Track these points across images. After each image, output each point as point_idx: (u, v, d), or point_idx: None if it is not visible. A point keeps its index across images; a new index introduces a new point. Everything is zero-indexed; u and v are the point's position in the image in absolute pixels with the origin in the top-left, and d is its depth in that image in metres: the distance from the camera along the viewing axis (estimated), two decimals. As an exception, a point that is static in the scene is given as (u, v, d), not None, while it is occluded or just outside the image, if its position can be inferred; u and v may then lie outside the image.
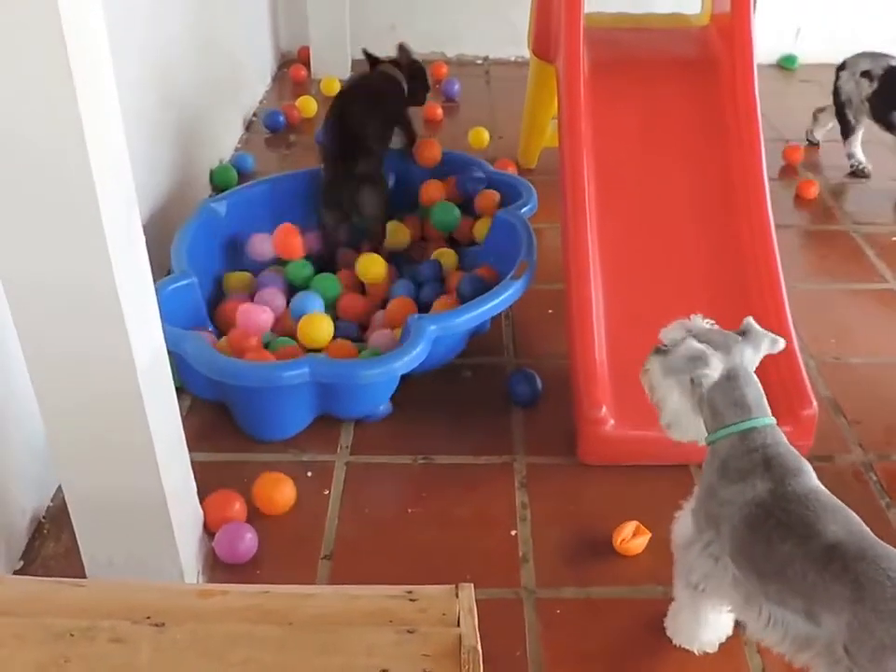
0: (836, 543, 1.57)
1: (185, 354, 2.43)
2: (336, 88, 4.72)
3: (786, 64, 5.48)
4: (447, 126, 4.44)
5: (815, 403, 2.45)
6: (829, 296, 3.29)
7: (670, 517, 2.29)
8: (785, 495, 1.66)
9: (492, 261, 2.95)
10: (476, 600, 1.48)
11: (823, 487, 1.70)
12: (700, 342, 1.75)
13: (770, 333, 1.81)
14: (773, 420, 1.76)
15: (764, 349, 1.80)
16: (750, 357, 1.78)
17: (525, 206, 3.05)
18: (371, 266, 2.96)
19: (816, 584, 1.57)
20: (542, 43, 3.50)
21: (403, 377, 2.53)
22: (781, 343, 1.82)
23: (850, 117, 4.09)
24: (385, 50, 5.00)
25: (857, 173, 4.16)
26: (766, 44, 5.23)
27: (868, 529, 1.62)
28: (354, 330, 2.80)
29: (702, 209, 2.88)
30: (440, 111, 4.49)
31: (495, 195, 3.18)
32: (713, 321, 1.87)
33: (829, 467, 2.48)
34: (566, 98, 2.93)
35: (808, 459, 1.75)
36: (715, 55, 3.13)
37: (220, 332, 2.76)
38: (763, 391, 1.78)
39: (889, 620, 1.48)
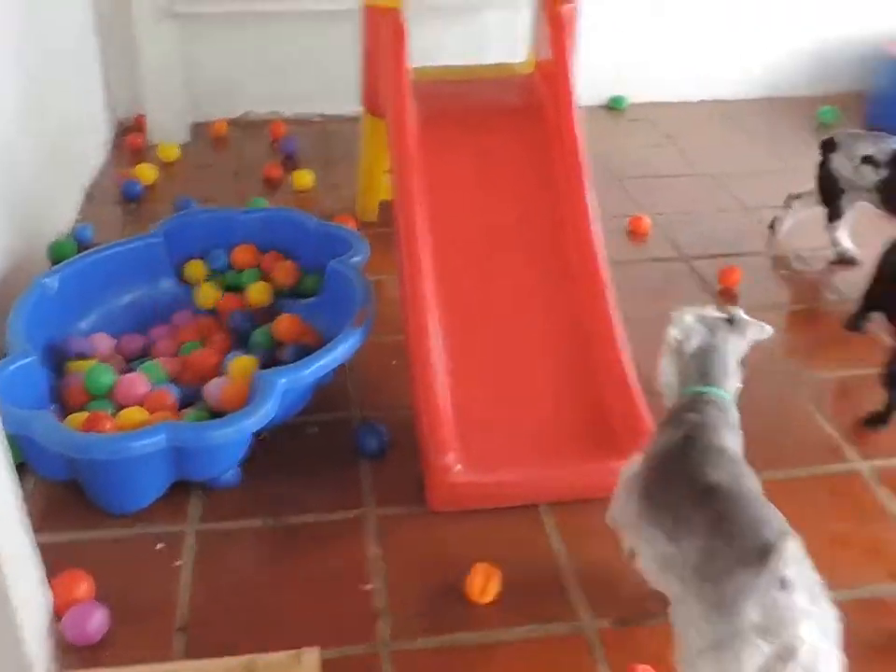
0: (716, 485, 1.82)
1: (34, 435, 2.38)
2: (175, 154, 4.72)
3: (615, 105, 5.68)
4: (288, 183, 4.45)
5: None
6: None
7: (524, 558, 2.36)
8: (693, 443, 1.94)
9: (328, 314, 2.98)
10: (332, 659, 1.49)
11: (736, 450, 1.97)
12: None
13: (757, 322, 2.11)
14: (727, 394, 2.05)
15: (752, 335, 2.10)
16: (736, 342, 2.08)
17: (355, 256, 3.09)
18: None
19: (688, 514, 1.82)
20: (371, 98, 3.57)
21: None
22: (768, 331, 2.12)
23: (843, 203, 3.70)
24: (225, 114, 5.03)
25: (844, 260, 3.81)
26: (594, 86, 5.44)
27: (756, 488, 1.87)
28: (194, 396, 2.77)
29: (537, 250, 2.97)
30: (278, 170, 4.51)
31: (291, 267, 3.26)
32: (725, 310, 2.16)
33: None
34: (396, 152, 3.00)
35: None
36: (540, 100, 3.24)
37: (63, 410, 2.70)
38: (732, 370, 2.08)
39: (734, 552, 1.68)
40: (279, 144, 4.85)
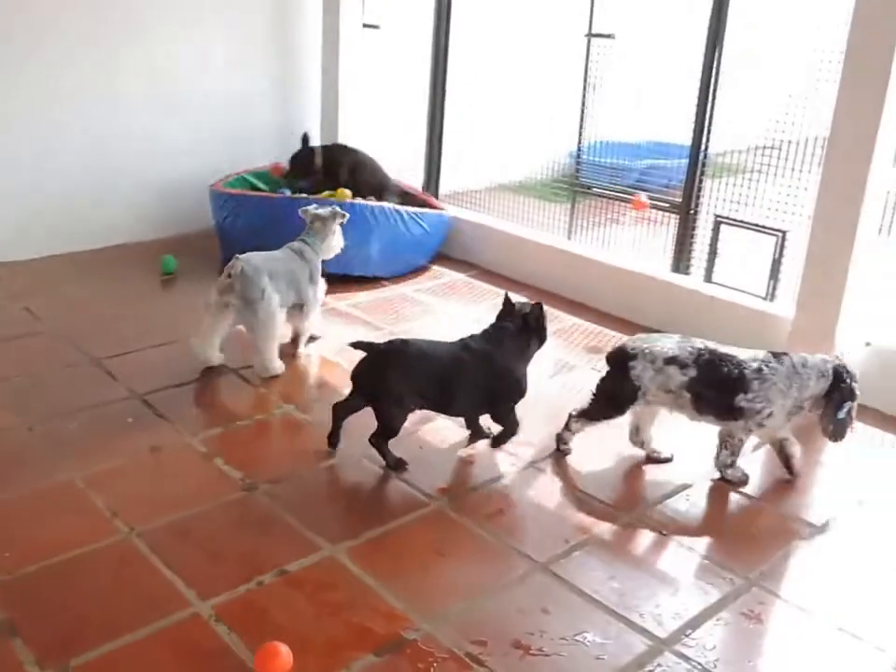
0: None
1: None
2: None
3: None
4: None
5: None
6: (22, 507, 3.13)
7: None
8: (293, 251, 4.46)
9: None
10: None
11: (314, 267, 4.43)
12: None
13: (342, 213, 4.54)
14: (315, 242, 4.48)
15: (338, 219, 4.52)
16: (331, 224, 4.49)
17: None
18: None
19: None
20: None
21: None
22: (345, 215, 4.54)
23: (627, 408, 3.45)
24: None
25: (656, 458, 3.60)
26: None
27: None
28: None
29: None
30: None
31: None
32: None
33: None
34: None
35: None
36: None
37: None
38: (328, 234, 4.49)
39: None
40: None
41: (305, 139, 5.88)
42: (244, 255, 4.08)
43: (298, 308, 4.39)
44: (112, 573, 2.80)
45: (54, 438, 3.55)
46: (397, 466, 3.41)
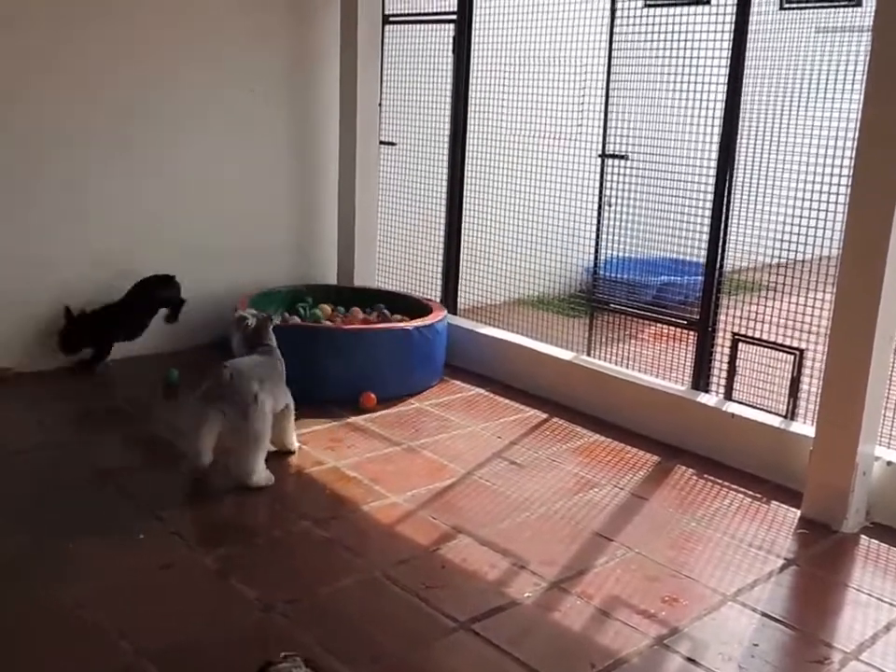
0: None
1: None
2: None
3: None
4: None
5: None
6: None
7: None
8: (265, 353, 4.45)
9: None
10: None
11: (271, 365, 4.40)
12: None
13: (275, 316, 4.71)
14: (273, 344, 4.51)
15: (273, 320, 4.56)
16: (269, 324, 4.51)
17: None
18: None
19: None
20: None
21: None
22: (275, 319, 4.63)
23: None
24: None
25: None
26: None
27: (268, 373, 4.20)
28: None
29: None
30: None
31: None
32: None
33: None
34: None
35: None
36: None
37: None
38: (270, 335, 4.50)
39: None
40: None
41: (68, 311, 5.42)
42: (229, 361, 4.13)
43: (283, 410, 4.36)
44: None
45: (61, 555, 3.44)
46: None
